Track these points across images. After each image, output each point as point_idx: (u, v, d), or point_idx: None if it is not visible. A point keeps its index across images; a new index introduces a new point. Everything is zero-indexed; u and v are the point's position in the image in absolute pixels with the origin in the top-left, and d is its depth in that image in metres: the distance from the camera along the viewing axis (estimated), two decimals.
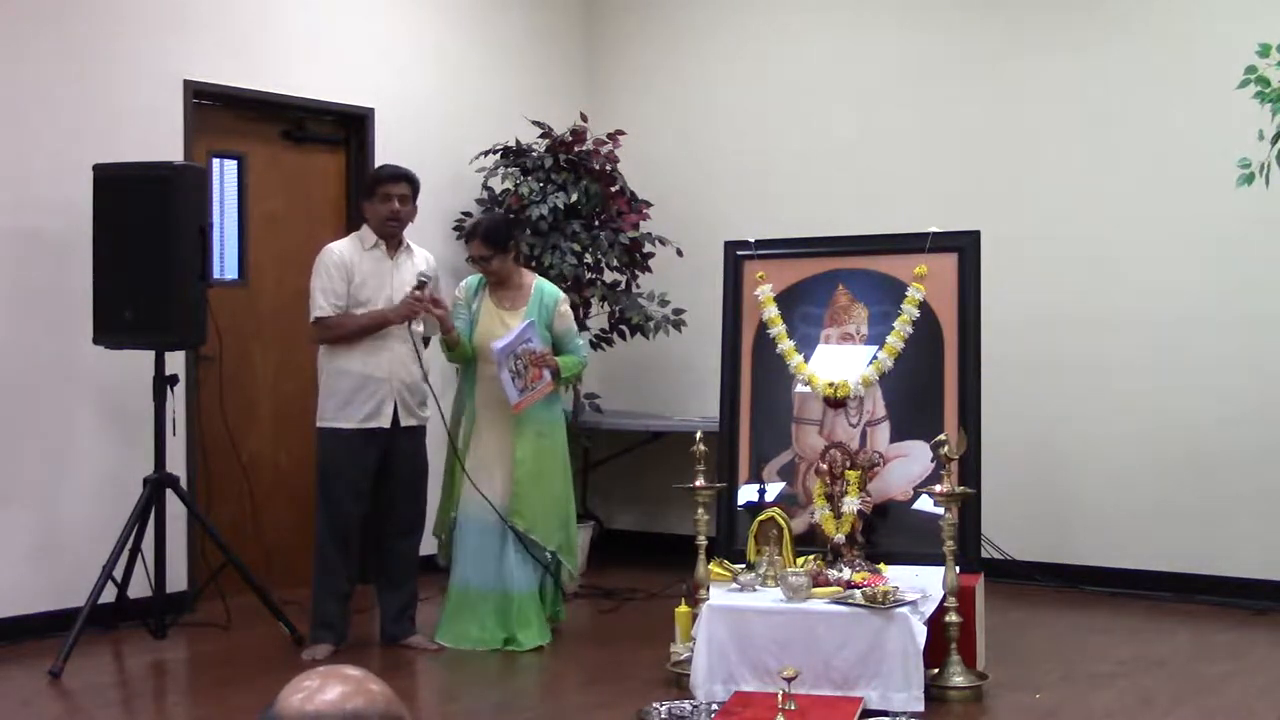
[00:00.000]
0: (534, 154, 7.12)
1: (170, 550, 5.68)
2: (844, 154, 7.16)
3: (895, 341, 5.35)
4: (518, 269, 5.67)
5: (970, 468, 5.07)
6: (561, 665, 5.33)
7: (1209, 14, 6.23)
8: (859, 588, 4.66)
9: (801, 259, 5.68)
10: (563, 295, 5.73)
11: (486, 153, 7.16)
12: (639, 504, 7.76)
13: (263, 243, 6.56)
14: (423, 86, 7.16)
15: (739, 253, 5.74)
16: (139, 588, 5.58)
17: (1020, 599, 6.17)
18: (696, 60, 7.70)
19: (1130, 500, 6.39)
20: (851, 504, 5.06)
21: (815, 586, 4.72)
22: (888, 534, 5.18)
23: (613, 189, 7.24)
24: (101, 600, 5.33)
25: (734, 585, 4.86)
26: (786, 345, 5.49)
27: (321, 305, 5.35)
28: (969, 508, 5.03)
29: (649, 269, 7.28)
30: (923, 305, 5.37)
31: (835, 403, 5.40)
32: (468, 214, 7.00)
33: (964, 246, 5.40)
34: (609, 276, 7.30)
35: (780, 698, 4.20)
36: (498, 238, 5.50)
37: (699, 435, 4.99)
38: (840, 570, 4.90)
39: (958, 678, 4.64)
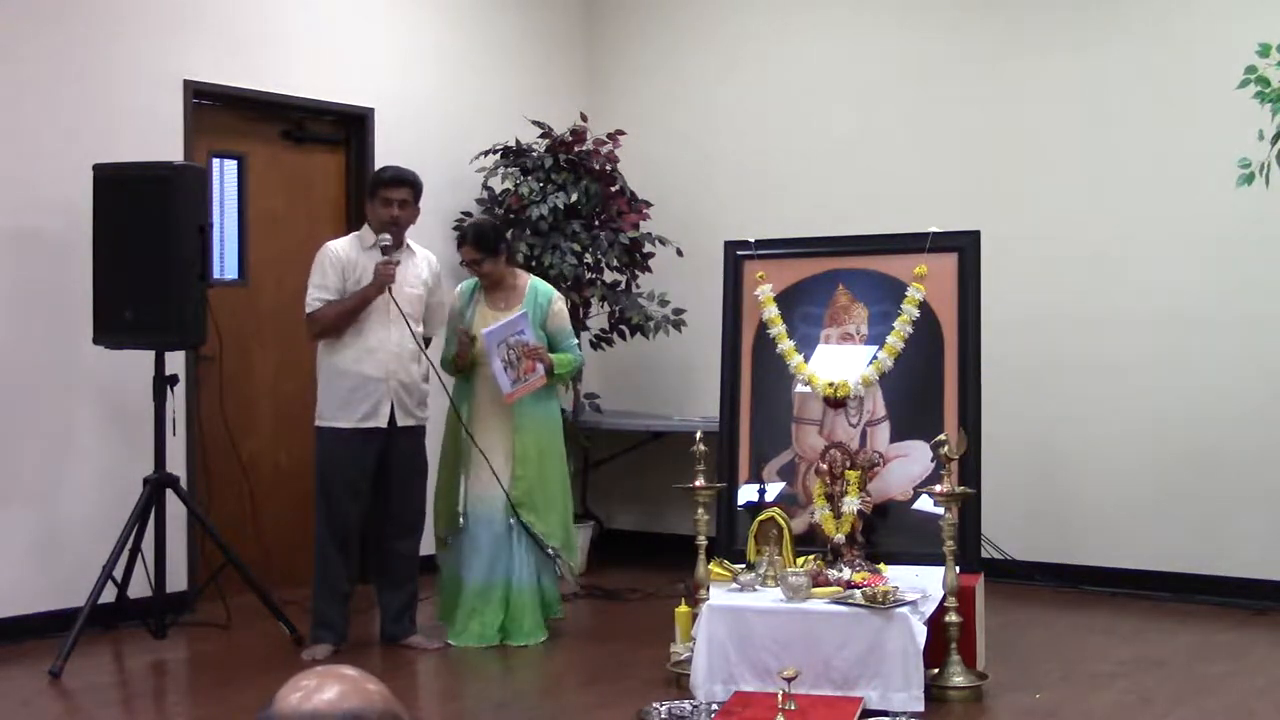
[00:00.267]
0: (534, 154, 7.12)
1: (170, 550, 5.68)
2: (844, 154, 7.15)
3: (895, 341, 5.34)
4: (511, 270, 5.71)
5: (970, 468, 5.06)
6: (562, 665, 5.33)
7: (1209, 14, 6.23)
8: (859, 588, 4.65)
9: (801, 259, 5.68)
10: (556, 294, 5.75)
11: (486, 153, 7.16)
12: (639, 504, 7.76)
13: (263, 243, 6.56)
14: (423, 86, 7.16)
15: (739, 253, 5.74)
16: (139, 588, 5.58)
17: (1020, 599, 6.17)
18: (696, 60, 7.70)
19: (1130, 500, 6.39)
20: (851, 504, 5.06)
21: (815, 586, 4.71)
22: (888, 534, 5.17)
23: (613, 189, 7.24)
24: (101, 600, 5.33)
25: (734, 585, 4.85)
26: (786, 345, 5.48)
27: (312, 299, 5.35)
28: (969, 508, 5.03)
29: (649, 269, 7.28)
30: (923, 305, 5.37)
31: (835, 403, 5.39)
32: (468, 214, 7.00)
33: (964, 246, 5.39)
34: (609, 276, 7.30)
35: (780, 698, 4.20)
36: (487, 242, 5.55)
37: (699, 435, 4.99)
38: (840, 570, 4.90)
39: (958, 678, 4.64)
